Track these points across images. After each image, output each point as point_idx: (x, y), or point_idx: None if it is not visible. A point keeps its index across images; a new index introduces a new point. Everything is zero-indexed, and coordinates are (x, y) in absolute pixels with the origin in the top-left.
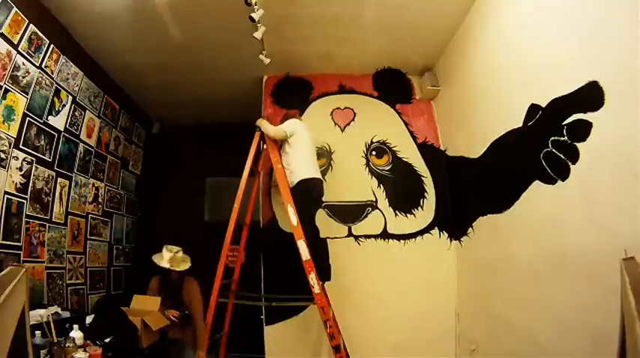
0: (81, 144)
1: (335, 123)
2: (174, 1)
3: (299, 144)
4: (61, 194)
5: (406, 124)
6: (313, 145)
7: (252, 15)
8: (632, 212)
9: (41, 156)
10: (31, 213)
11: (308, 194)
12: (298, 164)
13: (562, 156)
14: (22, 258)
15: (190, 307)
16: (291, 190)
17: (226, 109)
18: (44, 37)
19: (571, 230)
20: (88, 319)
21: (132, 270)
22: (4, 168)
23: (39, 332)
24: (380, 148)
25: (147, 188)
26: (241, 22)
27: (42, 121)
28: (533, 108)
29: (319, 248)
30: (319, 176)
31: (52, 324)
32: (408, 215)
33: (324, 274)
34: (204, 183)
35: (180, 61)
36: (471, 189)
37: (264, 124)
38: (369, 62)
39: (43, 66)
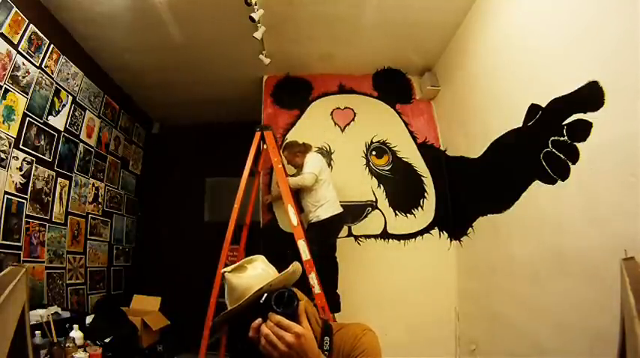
0: (81, 144)
1: (335, 123)
2: (173, 0)
3: (326, 181)
4: (61, 194)
5: (406, 124)
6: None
7: (252, 15)
8: (632, 212)
9: (41, 156)
10: (31, 213)
11: (336, 228)
12: (331, 201)
13: (562, 156)
14: (22, 258)
15: None
16: (314, 224)
17: (226, 109)
18: (44, 37)
19: (571, 230)
20: (88, 319)
21: (132, 270)
22: (4, 168)
23: (39, 332)
24: (380, 148)
25: (147, 188)
26: (241, 22)
27: (42, 121)
28: (533, 108)
29: (333, 277)
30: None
31: (52, 324)
32: (408, 215)
33: (335, 305)
34: (204, 183)
35: (180, 60)
36: (471, 189)
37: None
38: (369, 62)
39: (43, 66)
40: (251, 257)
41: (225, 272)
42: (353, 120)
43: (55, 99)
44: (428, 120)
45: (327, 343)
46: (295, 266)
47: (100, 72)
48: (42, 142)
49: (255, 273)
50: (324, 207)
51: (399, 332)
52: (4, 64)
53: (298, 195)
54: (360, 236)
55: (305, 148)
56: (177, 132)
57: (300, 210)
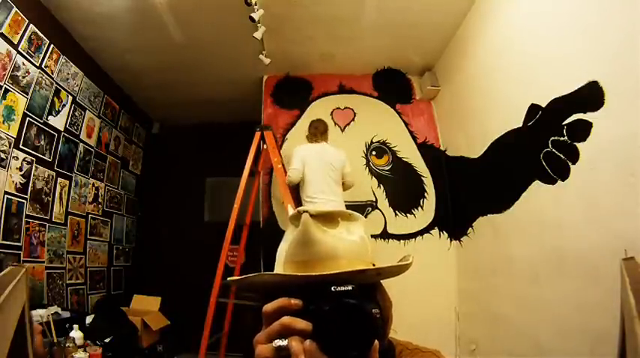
0: (81, 144)
1: (335, 123)
2: (174, 1)
3: (318, 173)
4: (61, 194)
5: (406, 124)
6: (330, 165)
7: (252, 15)
8: (632, 212)
9: (41, 156)
10: (31, 213)
11: None
12: (323, 198)
13: (562, 156)
14: (22, 258)
15: None
16: None
17: (226, 109)
18: (44, 37)
19: (571, 230)
20: (88, 319)
21: (132, 270)
22: (4, 168)
23: None
24: (380, 148)
25: (147, 188)
26: (241, 22)
27: (42, 121)
28: (533, 108)
29: None
30: (330, 206)
31: (52, 324)
32: (408, 215)
33: None
34: (204, 183)
35: (180, 61)
36: (471, 189)
37: (289, 210)
38: (369, 62)
39: (43, 66)
40: (349, 211)
41: (304, 211)
42: (353, 120)
43: (55, 99)
44: (428, 120)
45: None
46: (411, 259)
47: (100, 72)
48: (42, 142)
49: (351, 239)
50: (318, 205)
51: (399, 332)
52: (4, 64)
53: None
54: None
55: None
56: (177, 132)
57: None
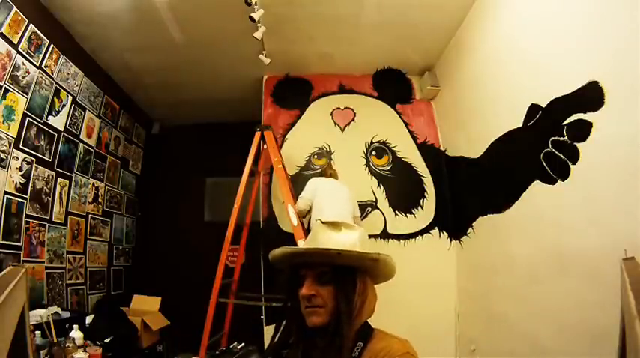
0: (81, 144)
1: (335, 123)
2: (174, 1)
3: (318, 205)
4: (61, 194)
5: (406, 124)
6: (340, 193)
7: (252, 15)
8: (632, 212)
9: (41, 156)
10: (31, 213)
11: None
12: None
13: (562, 156)
14: (22, 258)
15: None
16: None
17: (226, 109)
18: (44, 37)
19: (571, 230)
20: (88, 319)
21: (132, 270)
22: (4, 168)
23: (39, 332)
24: (380, 148)
25: (147, 188)
26: (241, 22)
27: (42, 121)
28: (533, 108)
29: None
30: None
31: (52, 324)
32: (408, 215)
33: None
34: (204, 183)
35: (180, 60)
36: (471, 189)
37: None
38: (369, 62)
39: (43, 66)
40: (354, 226)
41: (319, 220)
42: (353, 120)
43: (55, 99)
44: (428, 120)
45: (358, 349)
46: (384, 257)
47: (100, 72)
48: (42, 142)
49: (343, 239)
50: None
51: (399, 333)
52: (4, 64)
53: None
54: None
55: (327, 170)
56: (177, 132)
57: None
